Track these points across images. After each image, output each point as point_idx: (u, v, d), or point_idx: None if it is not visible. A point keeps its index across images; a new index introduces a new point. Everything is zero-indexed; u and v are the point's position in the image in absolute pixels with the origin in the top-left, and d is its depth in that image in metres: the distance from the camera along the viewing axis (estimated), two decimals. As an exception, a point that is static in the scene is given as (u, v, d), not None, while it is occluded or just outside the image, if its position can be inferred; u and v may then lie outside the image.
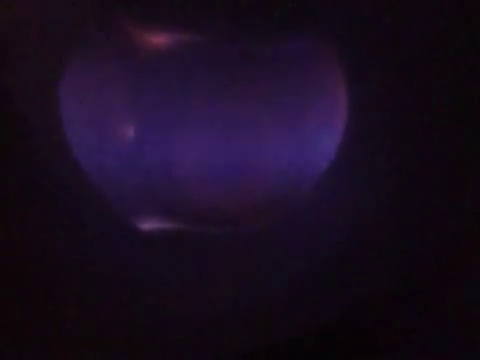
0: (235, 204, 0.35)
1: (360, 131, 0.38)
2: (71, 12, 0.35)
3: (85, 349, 0.34)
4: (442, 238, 0.37)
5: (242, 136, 0.35)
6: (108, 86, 0.34)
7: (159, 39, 0.34)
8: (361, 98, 0.37)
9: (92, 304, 0.35)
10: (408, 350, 0.36)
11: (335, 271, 0.36)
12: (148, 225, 0.36)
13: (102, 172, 0.35)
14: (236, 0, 0.35)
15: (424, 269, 0.37)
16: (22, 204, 0.35)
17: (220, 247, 0.36)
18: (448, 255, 0.37)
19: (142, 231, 0.36)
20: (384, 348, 0.36)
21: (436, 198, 0.38)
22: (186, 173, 0.34)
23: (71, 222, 0.35)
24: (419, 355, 0.36)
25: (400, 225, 0.38)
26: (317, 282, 0.36)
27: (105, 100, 0.34)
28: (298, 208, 0.36)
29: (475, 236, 0.38)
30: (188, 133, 0.34)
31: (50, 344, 0.34)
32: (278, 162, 0.35)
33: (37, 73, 0.36)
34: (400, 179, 0.38)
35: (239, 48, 0.35)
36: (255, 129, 0.35)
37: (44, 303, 0.34)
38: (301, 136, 0.36)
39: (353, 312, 0.36)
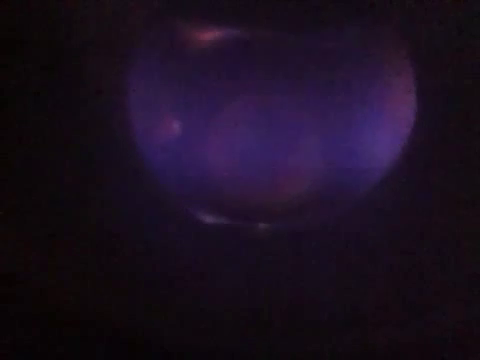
0: (277, 201, 0.35)
1: (427, 141, 0.36)
2: (122, 12, 0.34)
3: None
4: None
5: (289, 134, 0.34)
6: (154, 83, 0.33)
7: (206, 35, 0.33)
8: (430, 102, 0.36)
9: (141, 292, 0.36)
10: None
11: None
12: (207, 219, 0.36)
13: (151, 166, 0.36)
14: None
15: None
16: (81, 193, 0.36)
17: (262, 243, 0.36)
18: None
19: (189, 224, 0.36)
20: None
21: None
22: (231, 169, 0.34)
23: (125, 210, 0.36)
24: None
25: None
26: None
27: (151, 96, 0.33)
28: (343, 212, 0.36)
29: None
30: (231, 129, 0.34)
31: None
32: (325, 163, 0.35)
33: (100, 70, 0.36)
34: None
35: (289, 43, 0.33)
36: (304, 127, 0.34)
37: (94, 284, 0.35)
38: (354, 138, 0.35)
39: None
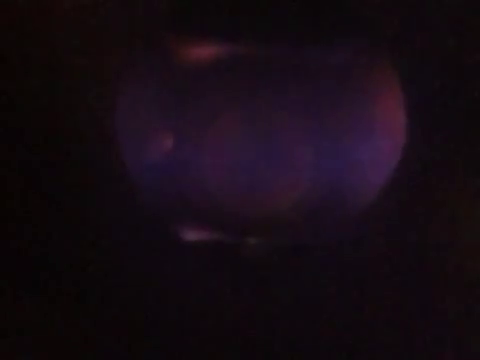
0: (270, 216, 0.35)
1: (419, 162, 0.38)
2: (118, 30, 0.35)
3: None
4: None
5: (280, 149, 0.34)
6: (149, 99, 0.35)
7: (200, 52, 0.34)
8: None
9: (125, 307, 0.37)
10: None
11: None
12: (188, 236, 0.37)
13: (143, 182, 0.36)
14: (280, 10, 0.34)
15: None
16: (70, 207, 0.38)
17: (255, 258, 0.37)
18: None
19: (181, 241, 0.37)
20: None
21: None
22: (222, 184, 0.35)
23: (114, 227, 0.37)
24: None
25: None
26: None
27: (146, 112, 0.35)
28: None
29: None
30: (224, 145, 0.34)
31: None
32: (315, 178, 0.35)
33: (90, 88, 0.38)
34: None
35: (282, 59, 0.34)
36: (295, 143, 0.35)
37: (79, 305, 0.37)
38: (342, 154, 0.35)
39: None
